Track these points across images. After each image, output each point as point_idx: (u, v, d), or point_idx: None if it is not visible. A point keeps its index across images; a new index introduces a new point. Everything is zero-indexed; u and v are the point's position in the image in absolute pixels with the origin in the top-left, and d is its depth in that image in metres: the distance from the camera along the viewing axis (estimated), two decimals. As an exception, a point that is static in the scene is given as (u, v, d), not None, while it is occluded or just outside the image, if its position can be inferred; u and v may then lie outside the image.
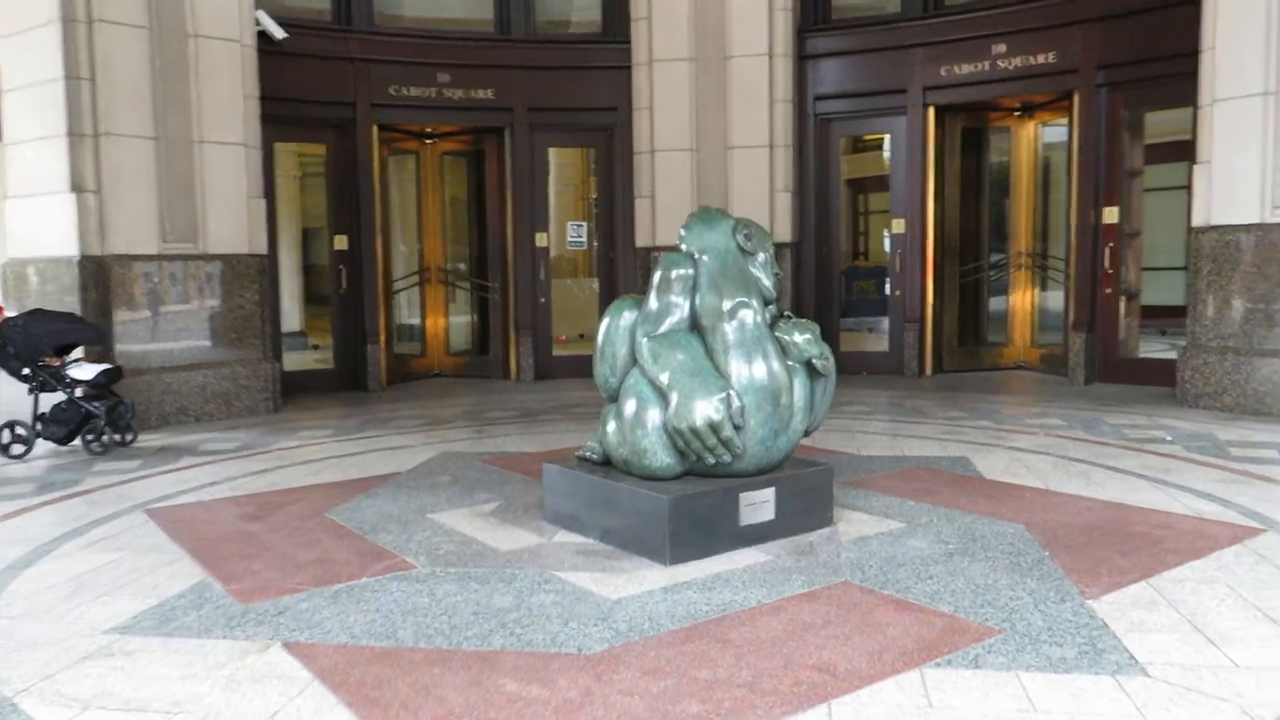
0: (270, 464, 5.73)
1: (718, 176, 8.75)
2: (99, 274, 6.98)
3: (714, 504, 3.79)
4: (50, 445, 6.22)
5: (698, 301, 3.95)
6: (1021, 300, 9.48)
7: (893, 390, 8.33)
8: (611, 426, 4.03)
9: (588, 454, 4.26)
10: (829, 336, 9.75)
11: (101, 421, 6.08)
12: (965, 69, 8.70)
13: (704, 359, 3.88)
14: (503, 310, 9.66)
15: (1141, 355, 8.76)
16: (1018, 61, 8.48)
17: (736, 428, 3.80)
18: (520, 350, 9.48)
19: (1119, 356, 8.28)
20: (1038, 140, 9.37)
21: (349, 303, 9.05)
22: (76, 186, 6.90)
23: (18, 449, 6.02)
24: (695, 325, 3.96)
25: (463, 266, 10.34)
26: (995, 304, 9.77)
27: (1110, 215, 8.21)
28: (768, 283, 4.08)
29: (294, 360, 9.52)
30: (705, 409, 3.74)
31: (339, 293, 9.04)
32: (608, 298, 9.31)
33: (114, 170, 6.94)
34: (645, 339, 3.95)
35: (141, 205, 7.09)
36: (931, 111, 8.94)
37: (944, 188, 9.19)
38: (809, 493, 4.09)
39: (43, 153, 7.03)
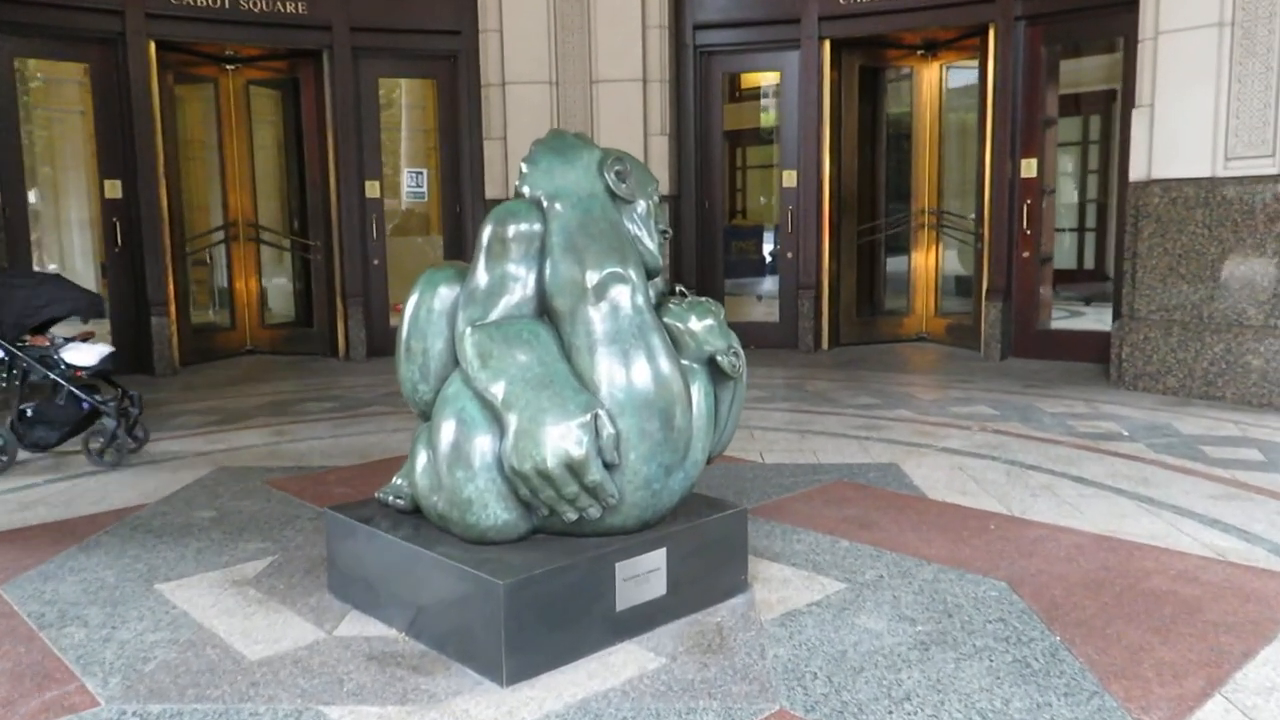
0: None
1: (581, 115, 7.36)
2: None
3: (575, 583, 2.48)
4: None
5: (548, 273, 2.60)
6: (924, 264, 8.48)
7: (789, 368, 7.20)
8: (421, 460, 2.66)
9: (391, 497, 2.88)
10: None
11: (113, 422, 4.54)
12: (867, -5, 7.54)
13: (557, 360, 2.54)
14: (327, 274, 8.05)
15: (1059, 326, 7.90)
16: (927, -13, 7.37)
17: (608, 466, 2.49)
18: (350, 322, 7.91)
19: (1036, 328, 7.37)
20: (942, 84, 8.32)
21: (125, 264, 7.27)
22: None
23: None
24: (544, 308, 2.62)
25: (279, 221, 8.63)
26: (894, 268, 8.76)
27: (1028, 169, 7.22)
28: (651, 244, 2.76)
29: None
30: (560, 440, 2.41)
31: (113, 251, 7.25)
32: (455, 258, 7.81)
33: None
34: (469, 330, 2.58)
35: None
36: (828, 46, 7.75)
37: (840, 136, 8.05)
38: (715, 549, 2.83)
39: None
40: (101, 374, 4.69)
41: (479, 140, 7.76)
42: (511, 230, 2.61)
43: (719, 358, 2.78)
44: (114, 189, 7.20)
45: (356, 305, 7.87)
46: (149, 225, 7.19)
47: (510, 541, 2.57)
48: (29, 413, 4.58)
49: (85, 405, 4.58)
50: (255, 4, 7.30)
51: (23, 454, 4.71)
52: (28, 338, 4.57)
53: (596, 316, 2.55)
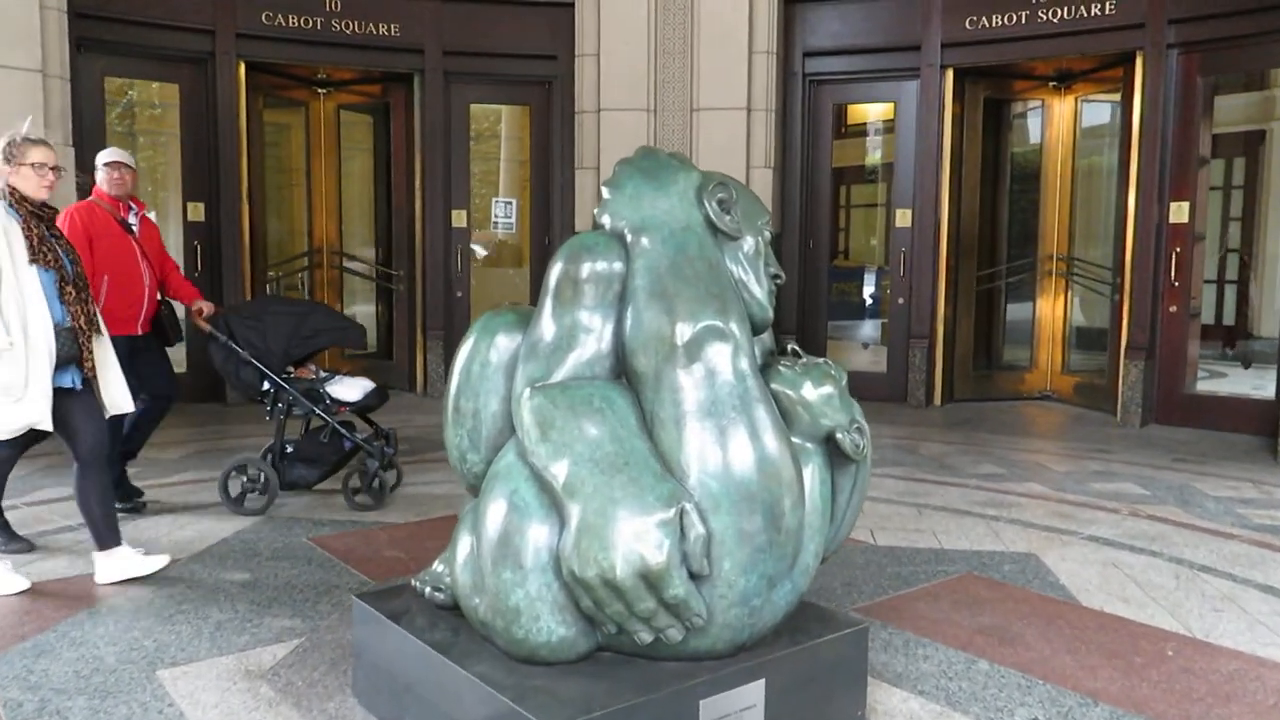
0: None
1: (680, 144, 6.87)
2: None
3: (648, 726, 1.92)
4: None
5: (629, 324, 2.07)
6: (1050, 314, 7.68)
7: (897, 426, 6.52)
8: (464, 549, 2.14)
9: (428, 588, 2.37)
10: (816, 351, 7.97)
11: (375, 463, 4.23)
12: (996, 21, 6.88)
13: (635, 436, 2.00)
14: (409, 305, 7.71)
15: (1207, 390, 7.04)
16: (1063, 12, 6.68)
17: (694, 576, 1.93)
18: (429, 356, 7.54)
19: (1182, 392, 6.53)
20: (1077, 118, 7.58)
21: (204, 288, 6.99)
22: None
23: (255, 500, 4.17)
24: (623, 369, 2.09)
25: (364, 249, 8.36)
26: (1016, 317, 7.98)
27: (1178, 213, 6.41)
28: (759, 292, 2.21)
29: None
30: (634, 541, 1.86)
31: (193, 274, 7.02)
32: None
33: None
34: (529, 392, 2.07)
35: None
36: (950, 76, 7.11)
37: (961, 173, 7.38)
38: (826, 678, 2.23)
39: None
40: (363, 410, 4.38)
41: (571, 170, 7.34)
42: (586, 269, 2.09)
43: (839, 435, 2.21)
44: (197, 211, 6.99)
45: (436, 339, 7.50)
46: (229, 249, 6.96)
47: (567, 662, 2.02)
48: (289, 449, 4.33)
49: (348, 444, 4.29)
50: (347, 25, 7.05)
51: (29, 497, 4.38)
52: (292, 369, 4.29)
53: (687, 382, 2.00)
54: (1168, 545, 3.87)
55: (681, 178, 2.18)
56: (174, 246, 7.16)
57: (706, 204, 2.15)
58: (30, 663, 2.63)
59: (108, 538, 3.27)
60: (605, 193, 2.19)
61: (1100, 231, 7.51)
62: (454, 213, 7.59)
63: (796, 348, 2.31)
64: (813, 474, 2.19)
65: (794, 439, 2.19)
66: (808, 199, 7.52)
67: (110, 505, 3.33)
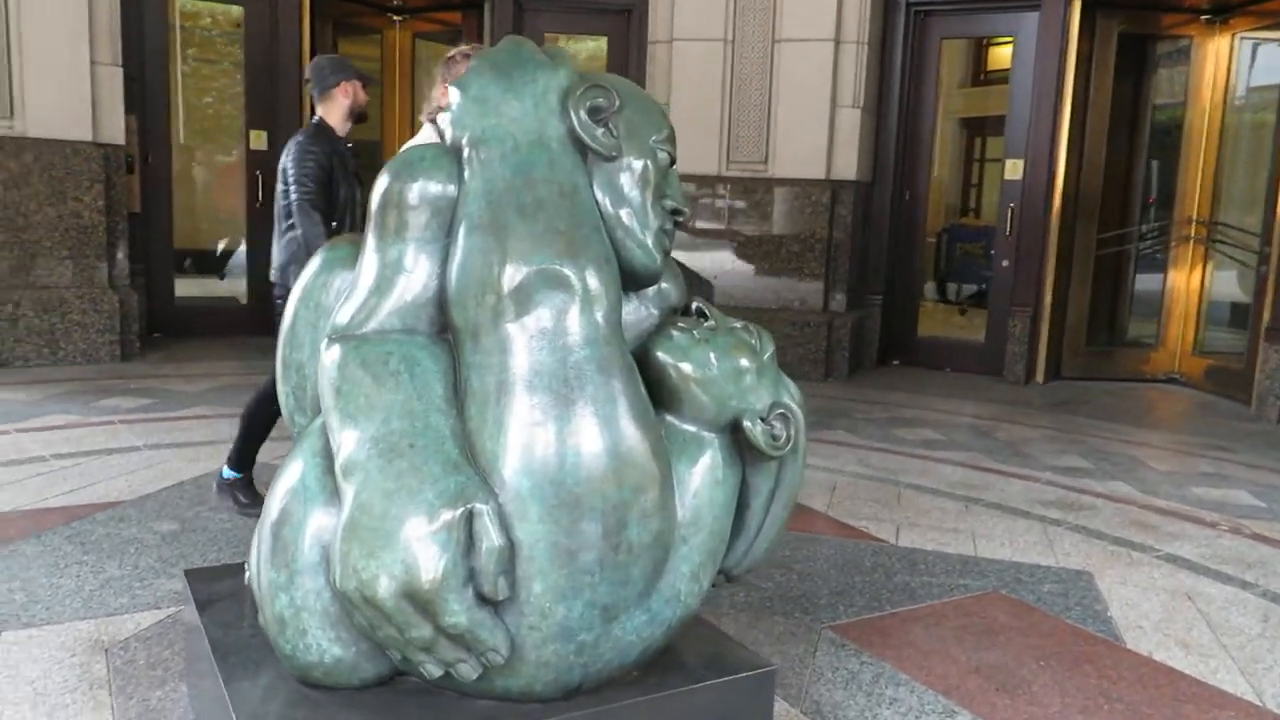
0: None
1: (758, 79, 6.22)
2: None
3: (420, 787, 1.47)
4: None
5: (452, 265, 1.59)
6: (1184, 286, 6.69)
7: (982, 403, 5.78)
8: (256, 542, 1.72)
9: (248, 574, 1.98)
10: (907, 317, 7.26)
11: None
12: (1138, -58, 5.91)
13: (436, 412, 1.52)
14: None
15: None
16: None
17: (485, 600, 1.46)
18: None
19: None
20: (1233, 60, 6.50)
21: (267, 219, 6.88)
22: None
23: None
24: (447, 319, 1.62)
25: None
26: (1143, 288, 7.02)
27: None
28: (639, 230, 1.68)
29: (205, 287, 7.47)
30: (401, 552, 1.40)
31: (253, 206, 6.89)
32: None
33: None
34: (328, 341, 1.62)
35: (-82, 61, 5.03)
36: (1078, 7, 6.17)
37: (1086, 119, 6.45)
38: (705, 735, 1.73)
39: None
40: None
41: (643, 106, 6.79)
42: (408, 192, 1.61)
43: (746, 423, 1.68)
44: (259, 140, 6.82)
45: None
46: (288, 180, 6.76)
47: (356, 688, 1.59)
48: None
49: None
50: (412, -55, 6.68)
51: (54, 420, 4.26)
52: None
53: (510, 343, 1.52)
54: (1266, 575, 3.13)
55: (543, 76, 1.66)
56: (237, 175, 7.05)
57: (573, 112, 1.63)
58: (-117, 610, 2.41)
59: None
60: (451, 95, 1.70)
61: (1253, 194, 6.45)
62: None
63: (704, 305, 1.78)
64: (702, 472, 1.68)
65: (685, 425, 1.68)
66: (905, 145, 6.75)
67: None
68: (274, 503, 1.61)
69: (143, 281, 6.24)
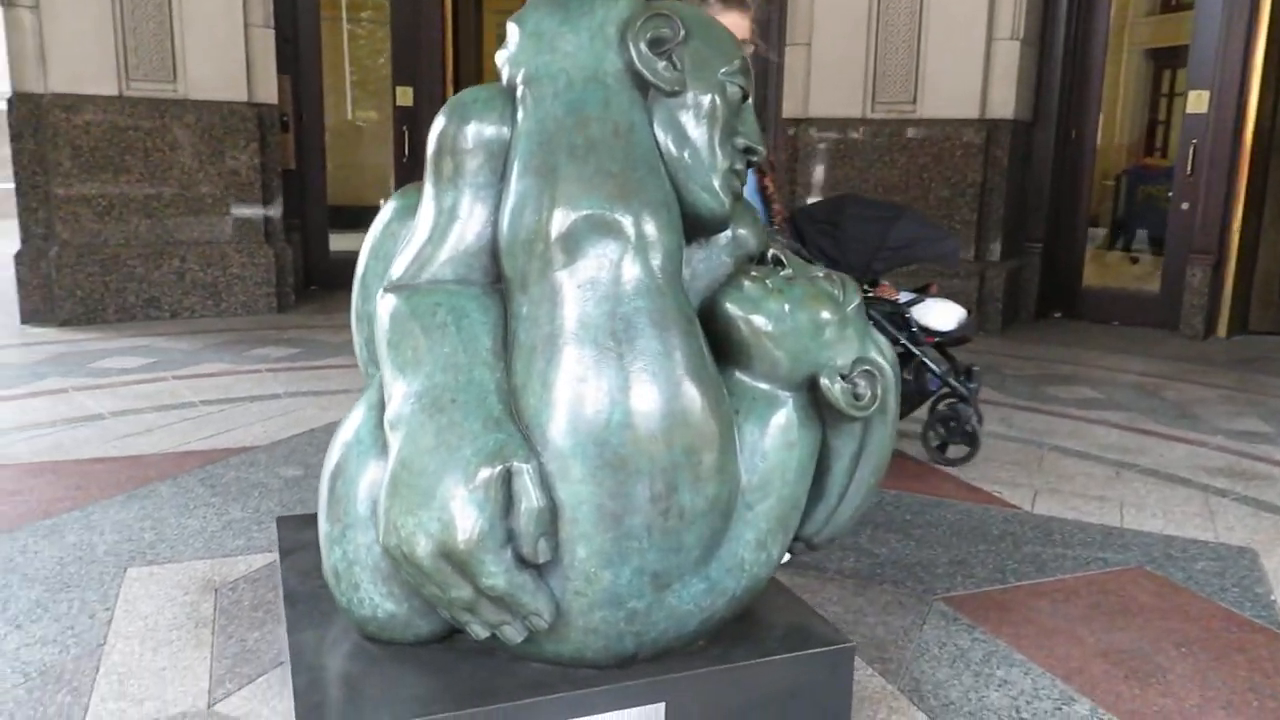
0: (139, 402, 3.88)
1: (906, 13, 5.84)
2: (34, 118, 5.36)
3: (463, 754, 1.44)
4: None
5: (507, 206, 1.51)
6: None
7: (1152, 359, 5.31)
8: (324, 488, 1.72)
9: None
10: (1071, 267, 6.71)
11: (970, 410, 3.44)
12: None
13: (481, 366, 1.46)
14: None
15: None
16: None
17: (525, 563, 1.40)
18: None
19: None
20: None
21: (412, 175, 7.06)
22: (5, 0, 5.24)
23: None
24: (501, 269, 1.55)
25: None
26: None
27: None
28: (706, 172, 1.55)
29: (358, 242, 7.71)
30: (438, 510, 1.35)
31: (400, 162, 7.07)
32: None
33: (54, -19, 5.22)
34: (384, 291, 1.59)
35: (91, 30, 5.35)
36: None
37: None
38: (772, 714, 1.62)
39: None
40: (957, 342, 3.53)
41: (781, 52, 6.53)
42: (462, 136, 1.54)
43: (824, 380, 1.55)
44: (405, 96, 6.97)
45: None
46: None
47: (412, 643, 1.57)
48: None
49: (934, 384, 3.44)
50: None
51: (208, 368, 4.51)
52: (869, 288, 3.43)
53: (558, 294, 1.43)
54: None
55: (602, 7, 1.54)
56: (385, 132, 7.24)
57: (631, 45, 1.52)
58: (31, 543, 2.59)
59: None
60: (509, 30, 1.61)
61: None
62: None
63: (782, 253, 1.64)
64: (773, 434, 1.55)
65: (756, 383, 1.57)
66: (1073, 80, 6.21)
67: None
68: (332, 454, 1.60)
69: (298, 236, 6.52)
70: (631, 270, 1.43)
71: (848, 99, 6.01)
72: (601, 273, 1.42)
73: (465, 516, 1.33)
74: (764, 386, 1.58)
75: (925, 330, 3.40)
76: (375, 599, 1.53)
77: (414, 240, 1.60)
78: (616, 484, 1.39)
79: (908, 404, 3.44)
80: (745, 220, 1.70)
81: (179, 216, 5.71)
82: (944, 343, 3.49)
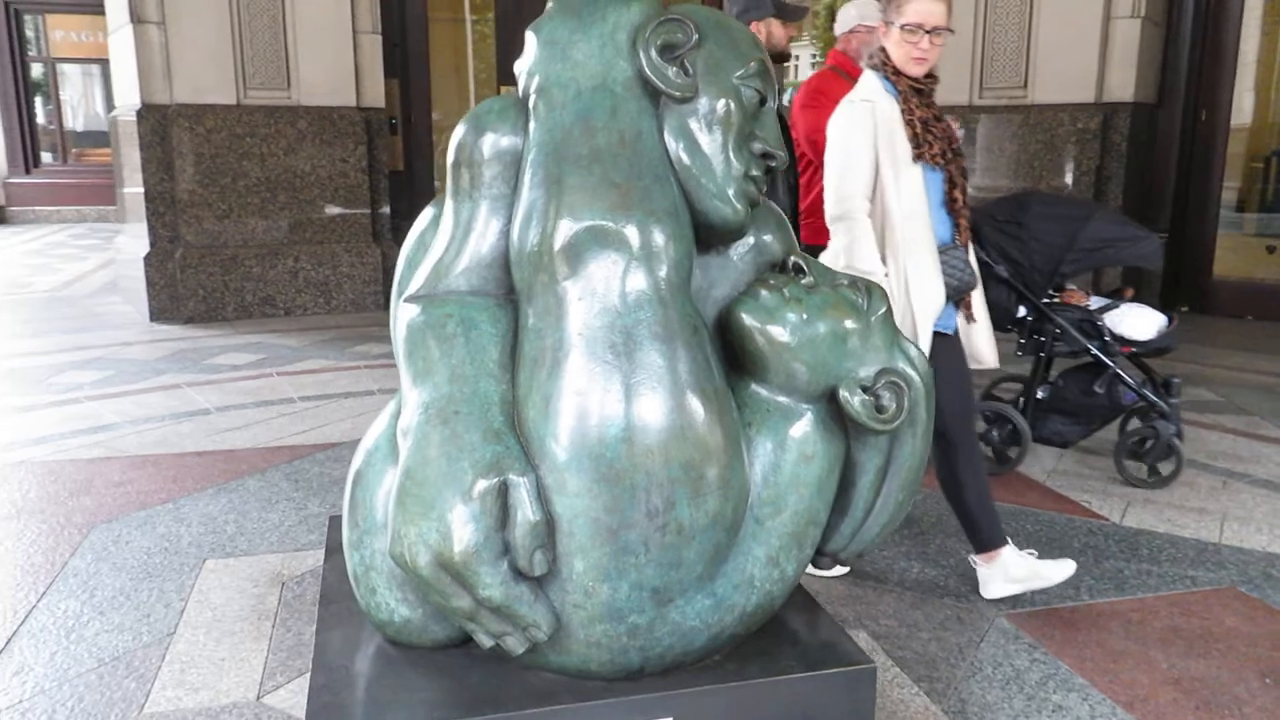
0: (242, 398, 4.09)
1: (1016, -6, 5.57)
2: (161, 127, 5.70)
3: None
4: None
5: (517, 218, 1.52)
6: None
7: (1282, 358, 4.95)
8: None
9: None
10: (1200, 257, 6.24)
11: (1172, 428, 3.14)
12: None
13: (487, 377, 1.46)
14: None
15: None
16: None
17: (523, 575, 1.40)
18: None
19: None
20: None
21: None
22: (137, 16, 5.58)
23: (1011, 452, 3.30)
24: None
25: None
26: None
27: None
28: (718, 180, 1.52)
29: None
30: (435, 520, 1.37)
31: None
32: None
33: (176, -3, 5.54)
34: (403, 300, 1.62)
35: (212, 43, 5.65)
36: None
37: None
38: (790, 732, 1.58)
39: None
40: (1157, 353, 3.25)
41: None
42: (477, 146, 1.55)
43: (843, 392, 1.50)
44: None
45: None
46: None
47: (430, 648, 1.60)
48: (1044, 395, 3.26)
49: (1129, 397, 3.17)
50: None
51: (310, 364, 4.69)
52: (1055, 293, 3.24)
53: (565, 305, 1.43)
54: None
55: (614, 13, 1.53)
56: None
57: (641, 50, 1.50)
58: (125, 533, 2.76)
59: (988, 534, 2.35)
60: (526, 39, 1.62)
61: None
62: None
63: (803, 260, 1.59)
64: (788, 447, 1.51)
65: (773, 395, 1.53)
66: (1203, 57, 5.82)
67: (985, 490, 2.37)
68: (355, 460, 1.65)
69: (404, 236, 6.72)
70: (634, 282, 1.41)
71: (954, 84, 5.79)
72: (603, 284, 1.41)
73: (461, 528, 1.35)
74: (781, 398, 1.54)
75: (1119, 339, 3.15)
76: (391, 604, 1.56)
77: (433, 250, 1.62)
78: (613, 498, 1.37)
79: (1098, 419, 3.26)
80: (769, 225, 1.66)
81: (292, 218, 5.97)
82: (1149, 354, 3.22)
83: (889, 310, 1.59)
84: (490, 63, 7.79)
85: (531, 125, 1.52)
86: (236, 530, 2.78)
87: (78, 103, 12.89)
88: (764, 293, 1.55)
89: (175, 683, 2.00)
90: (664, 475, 1.38)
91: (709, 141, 1.51)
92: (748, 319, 1.53)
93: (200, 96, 5.67)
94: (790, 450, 1.52)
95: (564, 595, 1.42)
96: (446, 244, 1.59)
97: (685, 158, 1.50)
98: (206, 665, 2.07)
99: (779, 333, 1.51)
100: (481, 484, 1.36)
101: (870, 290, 1.58)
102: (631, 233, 1.41)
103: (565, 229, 1.42)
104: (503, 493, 1.37)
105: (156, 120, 5.66)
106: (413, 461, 1.41)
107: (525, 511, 1.36)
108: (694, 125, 1.51)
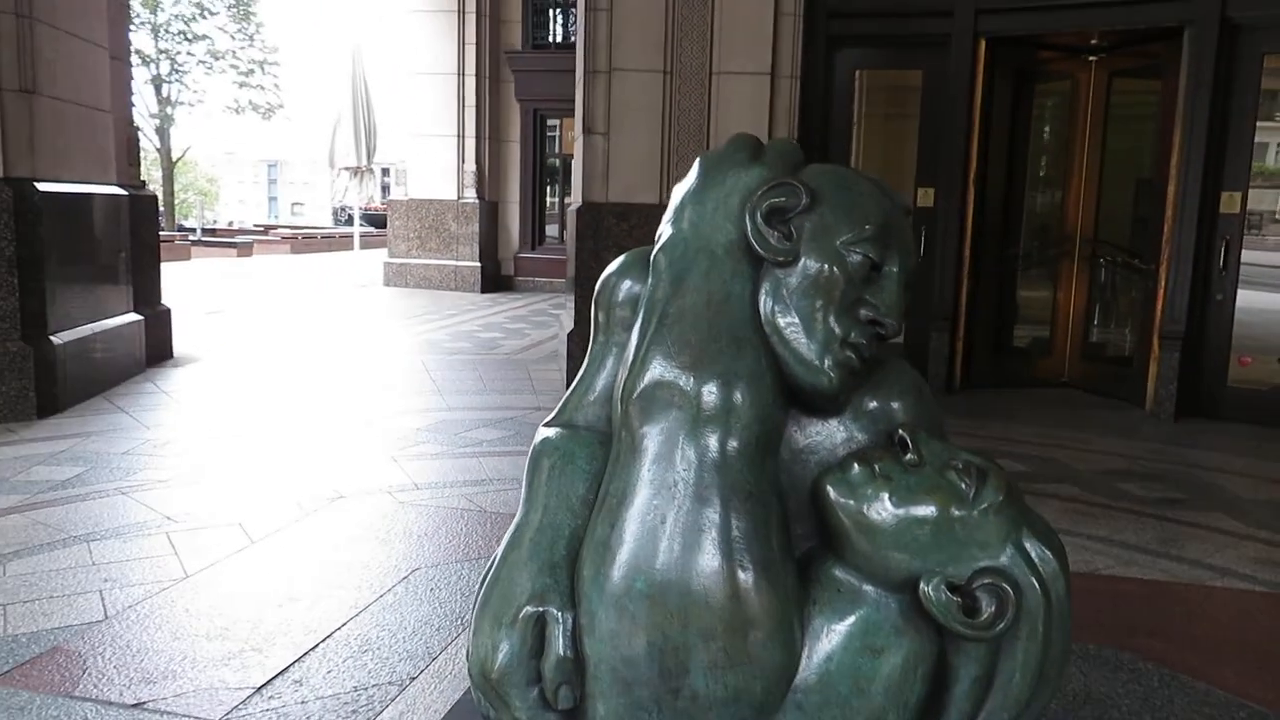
0: None
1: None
2: (595, 222, 6.51)
3: None
4: None
5: (623, 365, 1.61)
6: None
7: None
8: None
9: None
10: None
11: None
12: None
13: (566, 510, 1.57)
14: (1149, 304, 6.49)
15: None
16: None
17: (550, 706, 1.48)
18: (1162, 369, 6.26)
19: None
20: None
21: (921, 275, 7.02)
22: (587, 127, 6.48)
23: None
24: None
25: (1122, 237, 7.22)
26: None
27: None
28: (808, 344, 1.48)
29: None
30: (485, 637, 1.51)
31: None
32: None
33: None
34: (541, 428, 1.78)
35: (644, 151, 6.36)
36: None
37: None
38: None
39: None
40: None
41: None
42: (608, 294, 1.69)
43: (924, 587, 1.40)
44: (926, 197, 6.98)
45: (1173, 349, 6.17)
46: (946, 234, 6.80)
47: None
48: None
49: None
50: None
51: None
52: None
53: (631, 454, 1.49)
54: None
55: (733, 176, 1.56)
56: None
57: (748, 215, 1.52)
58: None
59: None
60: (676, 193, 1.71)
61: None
62: (1224, 195, 6.08)
63: (912, 434, 1.48)
64: (847, 634, 1.42)
65: (848, 576, 1.45)
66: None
67: None
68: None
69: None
70: (694, 440, 1.42)
71: None
72: (665, 440, 1.45)
73: (497, 650, 1.47)
74: (856, 581, 1.44)
75: None
76: (477, 693, 1.71)
77: (575, 380, 1.76)
78: (629, 651, 1.40)
79: None
80: (894, 392, 1.56)
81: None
82: None
83: (1008, 501, 1.42)
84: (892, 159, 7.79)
85: (650, 279, 1.61)
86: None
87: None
88: (856, 466, 1.47)
89: None
90: (680, 639, 1.39)
91: (801, 306, 1.49)
92: (832, 492, 1.47)
93: (628, 196, 6.39)
94: (851, 637, 1.43)
95: (600, 730, 1.46)
96: (580, 375, 1.73)
97: (777, 320, 1.50)
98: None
99: (859, 511, 1.44)
100: (522, 613, 1.46)
101: (985, 476, 1.43)
102: (697, 392, 1.45)
103: (640, 382, 1.49)
104: (541, 624, 1.46)
105: (592, 216, 6.48)
106: (489, 578, 1.56)
107: (555, 647, 1.44)
108: (790, 289, 1.50)
